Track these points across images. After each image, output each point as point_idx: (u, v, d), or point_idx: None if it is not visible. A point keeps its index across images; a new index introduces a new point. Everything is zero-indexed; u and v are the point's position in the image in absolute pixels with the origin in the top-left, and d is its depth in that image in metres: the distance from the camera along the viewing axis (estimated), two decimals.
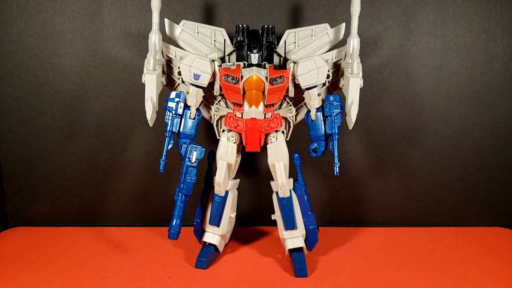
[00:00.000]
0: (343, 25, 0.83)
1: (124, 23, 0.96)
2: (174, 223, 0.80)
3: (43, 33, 0.96)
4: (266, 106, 0.80)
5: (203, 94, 0.83)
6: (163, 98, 0.82)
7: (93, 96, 0.99)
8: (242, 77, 0.78)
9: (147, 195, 1.05)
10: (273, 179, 0.84)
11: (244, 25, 0.81)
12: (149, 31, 0.80)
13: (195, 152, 0.80)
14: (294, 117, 0.86)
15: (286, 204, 0.82)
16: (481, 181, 1.05)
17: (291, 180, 0.84)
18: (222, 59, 0.84)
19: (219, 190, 0.83)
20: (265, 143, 0.84)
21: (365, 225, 1.05)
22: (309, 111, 0.82)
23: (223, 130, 0.85)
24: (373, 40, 0.97)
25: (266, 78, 0.78)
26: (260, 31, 0.82)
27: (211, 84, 0.82)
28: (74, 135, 1.01)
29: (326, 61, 0.83)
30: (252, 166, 1.04)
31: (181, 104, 0.81)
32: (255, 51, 0.79)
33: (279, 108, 0.86)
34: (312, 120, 0.82)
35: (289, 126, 0.87)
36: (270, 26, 0.81)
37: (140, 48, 0.97)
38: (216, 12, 0.96)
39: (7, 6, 0.95)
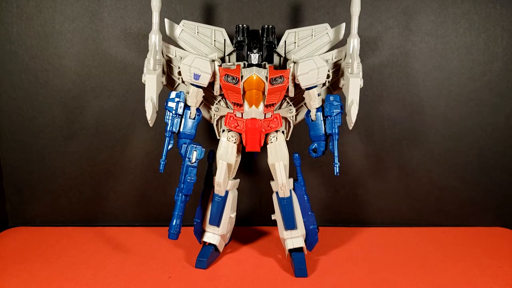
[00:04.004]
0: (343, 25, 0.83)
1: (124, 23, 0.96)
2: (174, 223, 0.80)
3: (43, 33, 0.96)
4: (266, 106, 0.80)
5: (203, 94, 0.83)
6: (163, 98, 0.82)
7: (93, 96, 0.99)
8: (242, 77, 0.78)
9: (147, 195, 1.05)
10: (273, 179, 0.83)
11: (244, 25, 0.81)
12: (149, 31, 0.80)
13: (195, 152, 0.80)
14: (294, 117, 0.86)
15: (286, 204, 0.82)
16: (481, 181, 1.05)
17: (291, 180, 0.84)
18: (222, 59, 0.84)
19: (219, 190, 0.83)
20: (265, 143, 0.84)
21: (365, 225, 1.05)
22: (309, 111, 0.82)
23: (223, 130, 0.85)
24: (373, 40, 0.97)
25: (266, 78, 0.78)
26: (260, 31, 0.82)
27: (211, 84, 0.82)
28: (74, 135, 1.01)
29: (326, 61, 0.83)
30: (252, 166, 1.04)
31: (181, 104, 0.81)
32: (255, 51, 0.79)
33: (279, 108, 0.86)
34: (312, 120, 0.82)
35: (289, 126, 0.87)
36: (270, 26, 0.81)
37: (140, 48, 0.97)
38: (216, 12, 0.96)
39: (7, 6, 0.95)
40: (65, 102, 1.00)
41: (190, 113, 0.82)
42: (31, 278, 0.79)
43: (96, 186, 1.04)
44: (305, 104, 0.85)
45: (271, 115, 0.82)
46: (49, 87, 0.99)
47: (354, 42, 0.79)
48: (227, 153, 0.83)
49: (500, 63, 0.99)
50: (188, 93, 0.81)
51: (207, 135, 1.00)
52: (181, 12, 0.95)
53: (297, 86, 0.81)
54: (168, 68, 0.84)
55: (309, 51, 0.83)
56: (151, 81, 0.79)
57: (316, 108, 0.81)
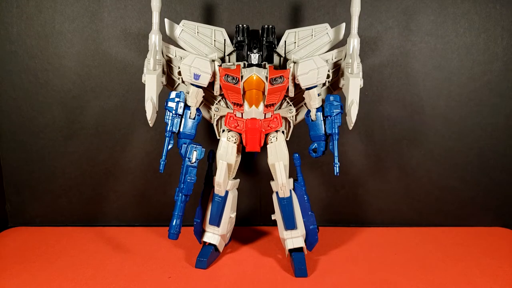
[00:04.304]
0: (343, 25, 0.83)
1: (124, 23, 0.96)
2: (174, 223, 0.80)
3: (43, 33, 0.96)
4: (266, 106, 0.80)
5: (203, 94, 0.83)
6: (163, 98, 0.82)
7: (93, 96, 0.99)
8: (242, 77, 0.78)
9: (147, 195, 1.05)
10: (273, 179, 0.83)
11: (244, 25, 0.81)
12: (149, 31, 0.80)
13: (195, 152, 0.80)
14: (294, 117, 0.86)
15: (286, 204, 0.82)
16: (481, 181, 1.05)
17: (291, 180, 0.84)
18: (222, 59, 0.84)
19: (219, 190, 0.83)
20: (265, 143, 0.84)
21: (365, 225, 1.05)
22: (309, 111, 0.82)
23: (223, 130, 0.85)
24: (373, 40, 0.97)
25: (266, 78, 0.78)
26: (260, 31, 0.82)
27: (211, 84, 0.82)
28: (74, 135, 1.01)
29: (326, 61, 0.83)
30: (252, 166, 1.04)
31: (181, 104, 0.81)
32: (255, 51, 0.79)
33: (279, 108, 0.86)
34: (312, 120, 0.82)
35: (289, 126, 0.87)
36: (270, 26, 0.81)
37: (140, 48, 0.97)
38: (216, 12, 0.96)
39: (7, 6, 0.95)
40: (65, 102, 1.00)
41: (190, 113, 0.82)
42: (31, 278, 0.79)
43: (96, 186, 1.04)
44: (305, 104, 0.85)
45: (271, 115, 0.82)
46: (49, 87, 0.99)
47: (354, 42, 0.79)
48: (227, 153, 0.83)
49: (500, 63, 0.99)
50: (188, 93, 0.81)
51: (207, 135, 1.00)
52: (181, 12, 0.95)
53: (297, 86, 0.81)
54: (168, 68, 0.84)
55: (309, 51, 0.83)
56: (151, 81, 0.79)
57: (316, 108, 0.81)
